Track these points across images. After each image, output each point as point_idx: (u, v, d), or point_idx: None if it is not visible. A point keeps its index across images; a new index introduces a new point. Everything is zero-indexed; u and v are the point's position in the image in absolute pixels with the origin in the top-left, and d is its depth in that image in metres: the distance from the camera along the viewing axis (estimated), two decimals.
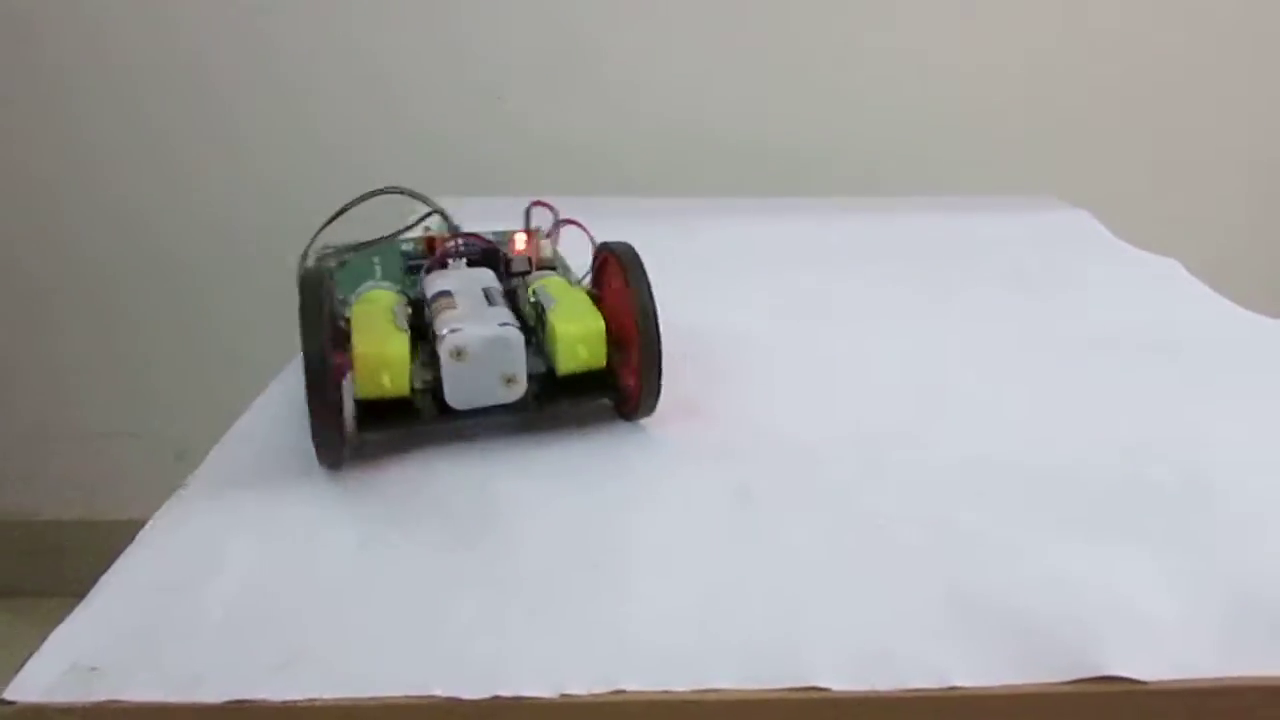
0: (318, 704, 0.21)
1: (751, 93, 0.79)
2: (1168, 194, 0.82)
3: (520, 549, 0.26)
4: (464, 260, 0.34)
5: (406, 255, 0.35)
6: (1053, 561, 0.25)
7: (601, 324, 0.30)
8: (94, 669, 0.21)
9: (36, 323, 0.85)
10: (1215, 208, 0.83)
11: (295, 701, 0.21)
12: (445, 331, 0.28)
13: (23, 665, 0.21)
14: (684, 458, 0.30)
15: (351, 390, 0.29)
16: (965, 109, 0.80)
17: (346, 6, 0.77)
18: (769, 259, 0.51)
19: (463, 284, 0.31)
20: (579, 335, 0.30)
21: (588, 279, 0.34)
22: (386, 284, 0.33)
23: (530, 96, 0.78)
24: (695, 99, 0.79)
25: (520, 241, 0.35)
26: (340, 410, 0.28)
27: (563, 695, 0.21)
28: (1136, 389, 0.35)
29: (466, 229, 0.36)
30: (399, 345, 0.28)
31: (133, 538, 0.26)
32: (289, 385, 0.34)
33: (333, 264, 0.34)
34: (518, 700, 0.21)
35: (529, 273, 0.34)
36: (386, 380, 0.28)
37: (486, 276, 0.32)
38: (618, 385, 0.31)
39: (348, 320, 0.30)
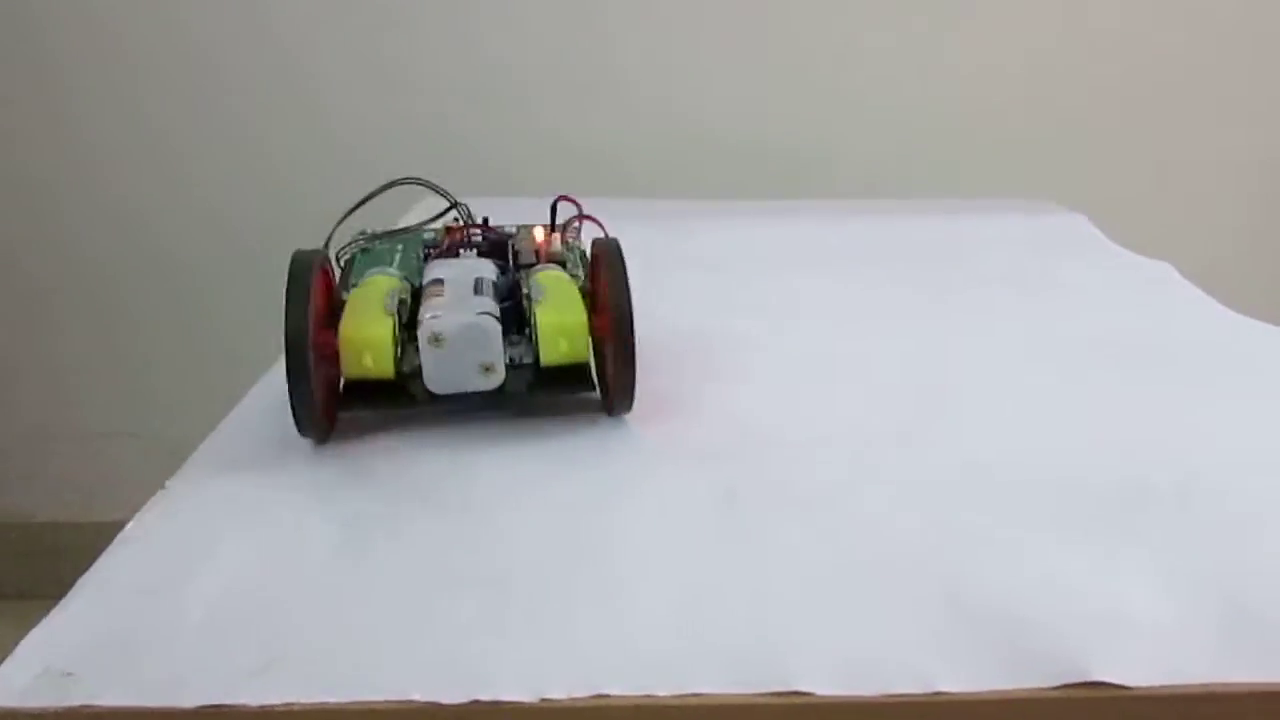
0: (295, 709, 0.21)
1: (753, 95, 0.78)
2: (1164, 198, 0.82)
3: (502, 550, 0.25)
4: (475, 251, 0.35)
5: (427, 245, 0.36)
6: (1042, 566, 0.24)
7: (583, 317, 0.30)
8: (68, 673, 0.21)
9: (36, 323, 0.85)
10: (1210, 212, 0.83)
11: (272, 706, 0.21)
12: (426, 317, 0.29)
13: None
14: (669, 456, 0.30)
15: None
16: (964, 113, 0.80)
17: (353, 6, 0.77)
18: (767, 261, 0.50)
19: (457, 273, 0.32)
20: (559, 327, 0.30)
21: None
22: (391, 270, 0.33)
23: (542, 98, 0.78)
24: (699, 101, 0.79)
25: (540, 235, 0.36)
26: (322, 385, 0.29)
27: (543, 700, 0.21)
28: (1127, 393, 0.34)
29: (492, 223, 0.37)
30: (382, 328, 0.29)
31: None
32: (277, 380, 0.34)
33: (358, 250, 0.35)
34: (497, 705, 0.21)
35: (534, 265, 0.34)
36: (369, 361, 0.29)
37: (484, 267, 0.33)
38: (602, 379, 0.32)
39: (344, 303, 0.31)
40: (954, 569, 0.24)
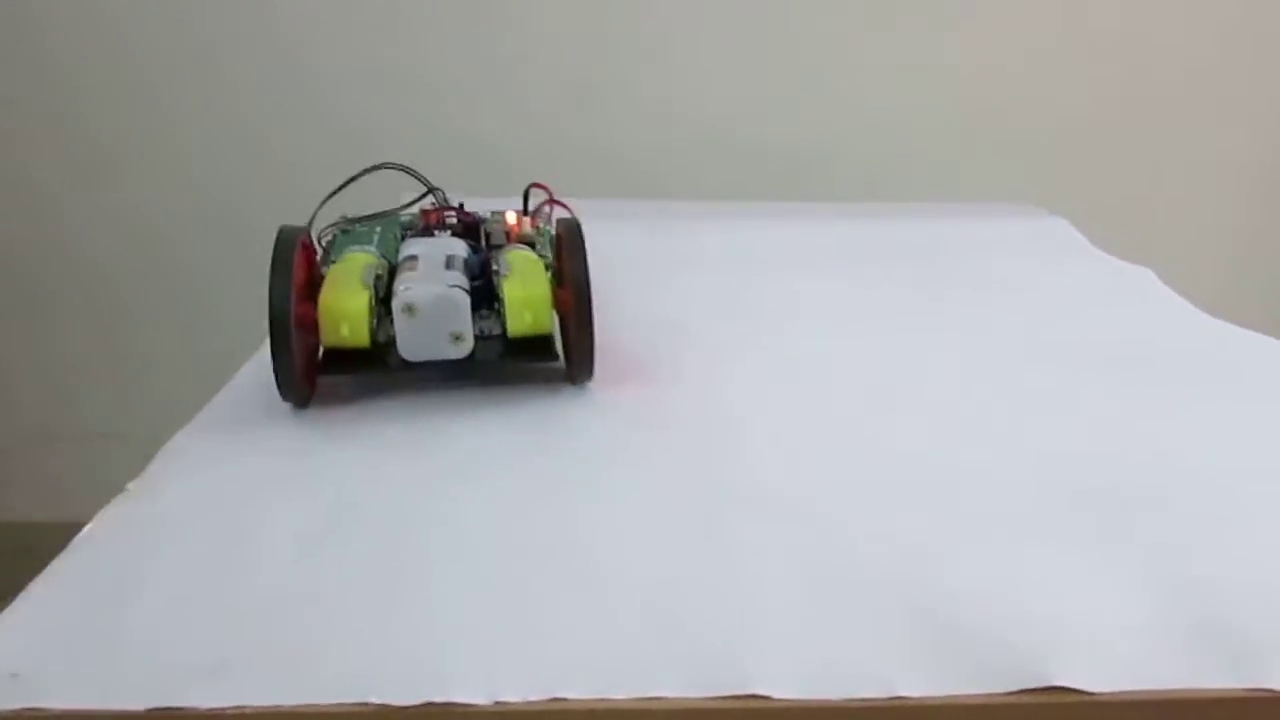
0: (247, 712, 0.20)
1: (746, 97, 0.79)
2: (1148, 203, 0.83)
3: (458, 546, 0.25)
4: (449, 232, 0.37)
5: (404, 227, 0.38)
6: (1008, 570, 0.24)
7: (546, 290, 0.33)
8: (14, 675, 0.20)
9: (33, 323, 0.85)
10: (1192, 218, 0.83)
11: (222, 709, 0.20)
12: (400, 289, 0.31)
13: None
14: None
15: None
16: (951, 118, 0.80)
17: (358, 7, 0.76)
18: (751, 261, 0.50)
19: (430, 250, 0.34)
20: (525, 300, 0.32)
21: None
22: (369, 248, 0.35)
23: (542, 99, 0.78)
24: (695, 104, 0.79)
25: (512, 219, 0.38)
26: (302, 353, 0.32)
27: (497, 703, 0.20)
28: (1101, 398, 0.34)
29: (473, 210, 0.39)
30: (358, 299, 0.31)
31: None
32: (245, 381, 0.35)
33: (339, 231, 0.37)
34: (450, 708, 0.20)
35: (504, 246, 0.36)
36: (345, 330, 0.31)
37: (456, 245, 0.35)
38: (566, 350, 0.34)
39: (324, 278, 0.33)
40: (919, 572, 0.24)
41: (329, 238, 0.37)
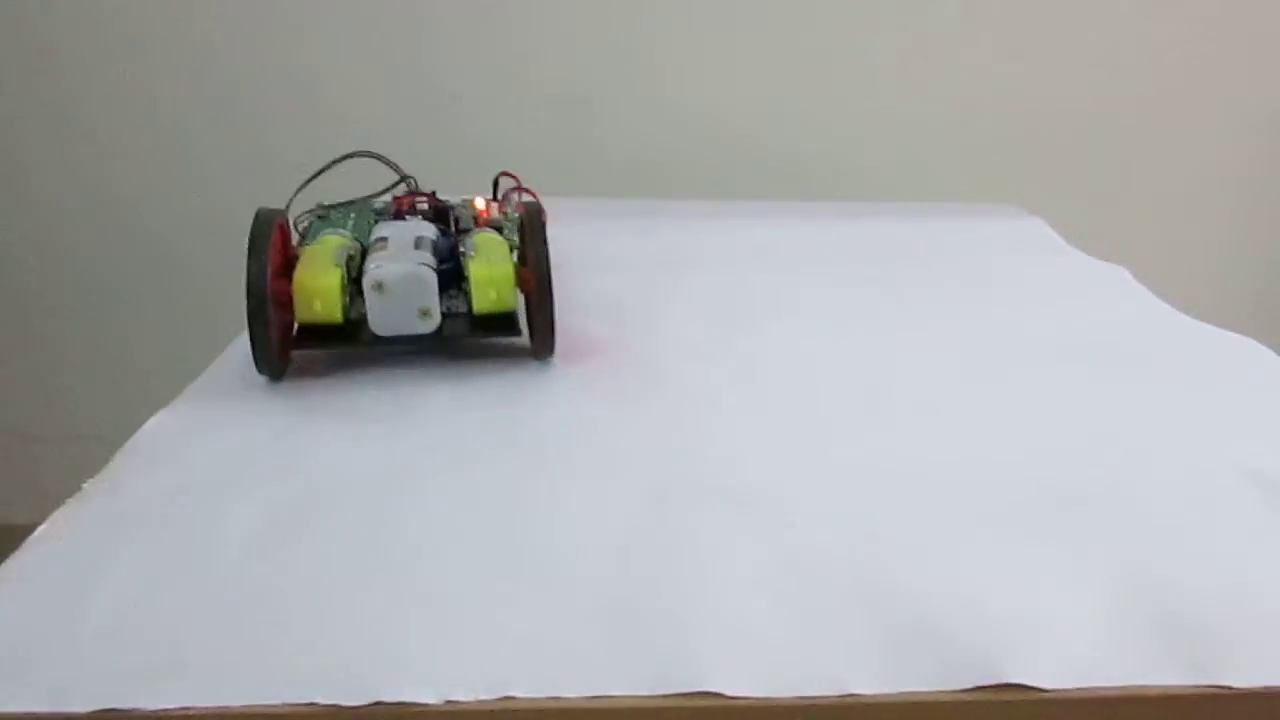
0: (193, 713, 0.20)
1: (733, 99, 0.78)
2: (1128, 203, 0.83)
3: (410, 543, 0.25)
4: (419, 216, 0.39)
5: (377, 212, 0.40)
6: (964, 567, 0.24)
7: (510, 269, 0.34)
8: None
9: (17, 323, 0.84)
10: (1169, 218, 0.83)
11: (168, 711, 0.20)
12: (370, 267, 0.33)
13: None
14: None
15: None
16: (936, 118, 0.80)
17: (367, 8, 0.76)
18: (732, 258, 0.50)
19: (400, 233, 0.36)
20: (489, 279, 0.34)
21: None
22: (341, 231, 0.37)
23: (537, 103, 0.78)
24: (682, 104, 0.78)
25: (481, 204, 0.41)
26: (277, 328, 0.33)
27: (448, 702, 0.20)
28: (1069, 393, 0.34)
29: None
30: (331, 278, 0.33)
31: None
32: (223, 364, 0.36)
33: (315, 217, 0.39)
34: (400, 707, 0.20)
35: (472, 230, 0.38)
36: (318, 306, 0.33)
37: (425, 228, 0.37)
38: (529, 327, 0.36)
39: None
40: (877, 569, 0.24)
41: (305, 223, 0.39)
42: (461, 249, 0.36)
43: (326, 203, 0.40)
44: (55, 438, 0.88)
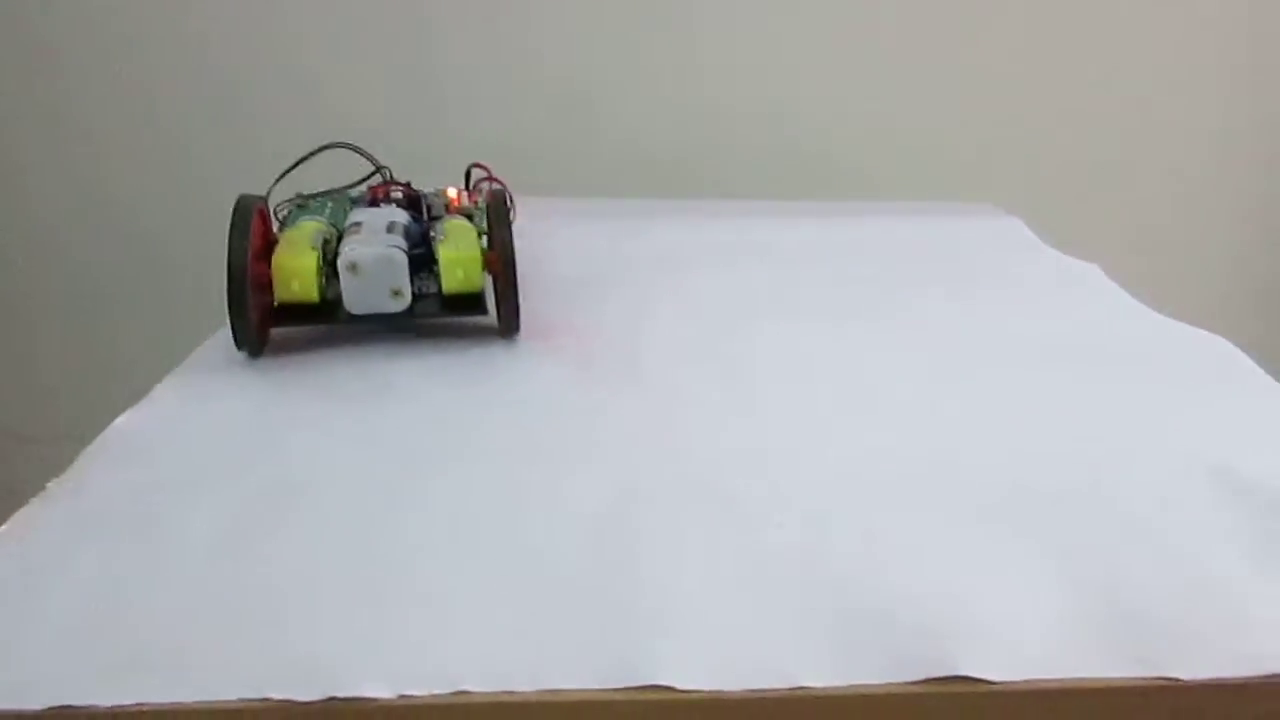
0: (146, 709, 0.20)
1: (719, 97, 0.79)
2: (1108, 203, 0.83)
3: (363, 540, 0.25)
4: (393, 204, 0.41)
5: (353, 200, 0.43)
6: (919, 561, 0.24)
7: (477, 252, 0.37)
8: None
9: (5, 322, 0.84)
10: (1144, 218, 0.84)
11: (123, 707, 0.20)
12: (345, 250, 0.36)
13: None
14: (559, 431, 0.31)
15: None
16: (920, 117, 0.80)
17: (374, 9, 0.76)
18: (712, 256, 0.51)
19: (374, 218, 0.38)
20: (457, 260, 0.36)
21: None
22: (318, 217, 0.39)
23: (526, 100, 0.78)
24: (668, 103, 0.78)
25: (453, 193, 0.43)
26: (257, 308, 0.36)
27: (401, 696, 0.20)
28: (1037, 392, 0.34)
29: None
30: (308, 260, 0.35)
31: None
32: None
33: (294, 206, 0.41)
34: (355, 702, 0.20)
35: (443, 217, 0.40)
36: (296, 286, 0.35)
37: (398, 214, 0.39)
38: (496, 307, 0.38)
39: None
40: (829, 563, 0.24)
41: (285, 211, 0.41)
42: (432, 234, 0.38)
43: (305, 193, 0.42)
44: (45, 438, 0.87)
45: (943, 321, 0.41)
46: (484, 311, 0.38)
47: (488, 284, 0.38)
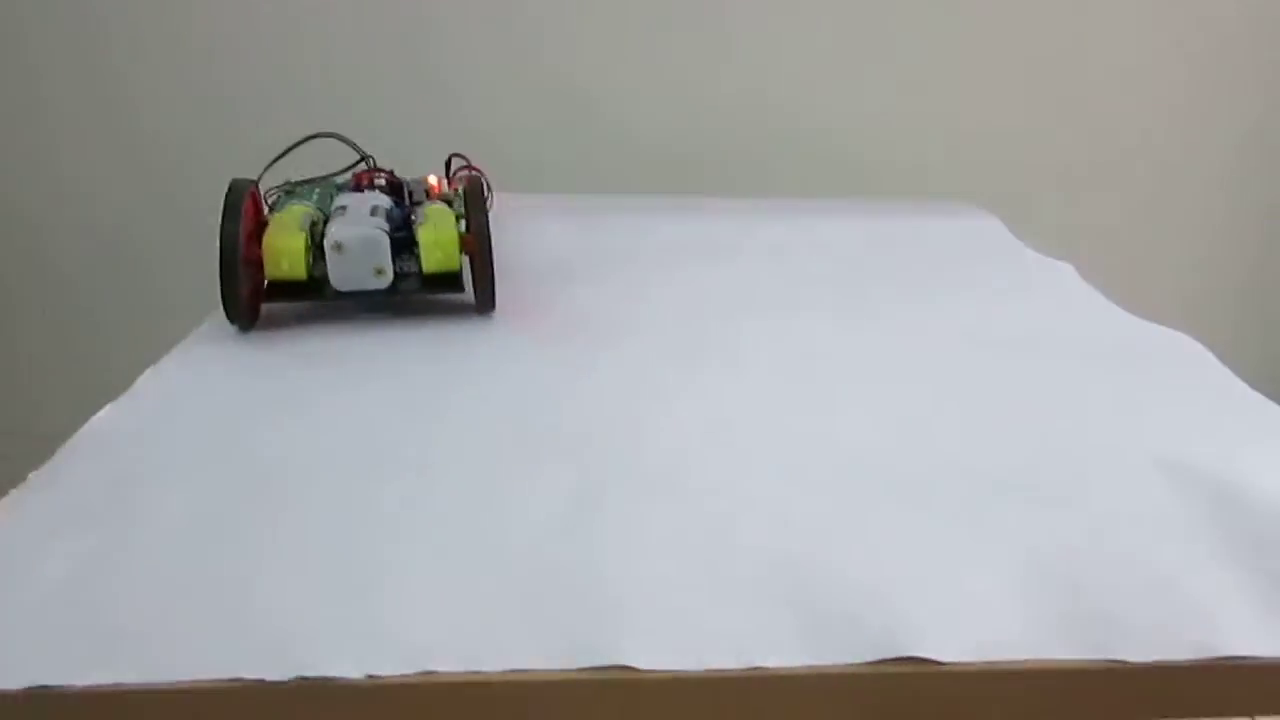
0: (124, 689, 0.21)
1: (708, 96, 0.79)
2: (1092, 203, 0.84)
3: (331, 524, 0.26)
4: (378, 190, 0.44)
5: (339, 187, 0.46)
6: (877, 546, 0.25)
7: (454, 234, 0.39)
8: None
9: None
10: (1131, 218, 0.85)
11: (100, 687, 0.21)
12: (330, 230, 0.38)
13: None
14: (527, 410, 0.32)
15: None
16: (903, 117, 0.81)
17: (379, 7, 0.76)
18: (689, 251, 0.51)
19: (358, 202, 0.41)
20: (436, 241, 0.39)
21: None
22: (306, 202, 0.42)
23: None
24: (651, 103, 0.79)
25: (434, 181, 0.45)
26: (248, 284, 0.38)
27: (369, 676, 0.21)
28: (1000, 386, 0.35)
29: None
30: (296, 240, 0.38)
31: None
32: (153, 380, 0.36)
33: (284, 192, 0.44)
34: (324, 682, 0.21)
35: (424, 203, 0.43)
36: (285, 264, 0.38)
37: (381, 198, 0.42)
38: (473, 285, 0.40)
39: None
40: (788, 548, 0.25)
41: (274, 197, 0.44)
42: (413, 218, 0.41)
43: (294, 179, 0.45)
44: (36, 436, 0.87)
45: (912, 317, 0.42)
46: (461, 290, 0.41)
47: (466, 265, 0.40)
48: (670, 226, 0.57)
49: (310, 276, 0.39)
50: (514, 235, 0.50)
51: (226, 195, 0.38)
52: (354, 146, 0.46)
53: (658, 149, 0.80)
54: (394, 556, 0.24)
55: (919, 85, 0.80)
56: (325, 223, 0.40)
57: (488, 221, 0.39)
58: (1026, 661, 0.22)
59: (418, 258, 0.40)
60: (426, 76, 0.78)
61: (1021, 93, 0.81)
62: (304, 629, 0.22)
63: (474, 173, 0.48)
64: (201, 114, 0.79)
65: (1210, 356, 0.38)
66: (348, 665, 0.21)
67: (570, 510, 0.26)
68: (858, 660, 0.21)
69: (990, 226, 0.60)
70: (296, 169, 0.45)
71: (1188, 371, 0.37)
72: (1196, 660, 0.22)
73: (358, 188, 0.44)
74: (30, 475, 0.28)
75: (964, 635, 0.22)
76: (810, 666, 0.21)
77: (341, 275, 0.38)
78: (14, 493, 0.27)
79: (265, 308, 0.40)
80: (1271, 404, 0.34)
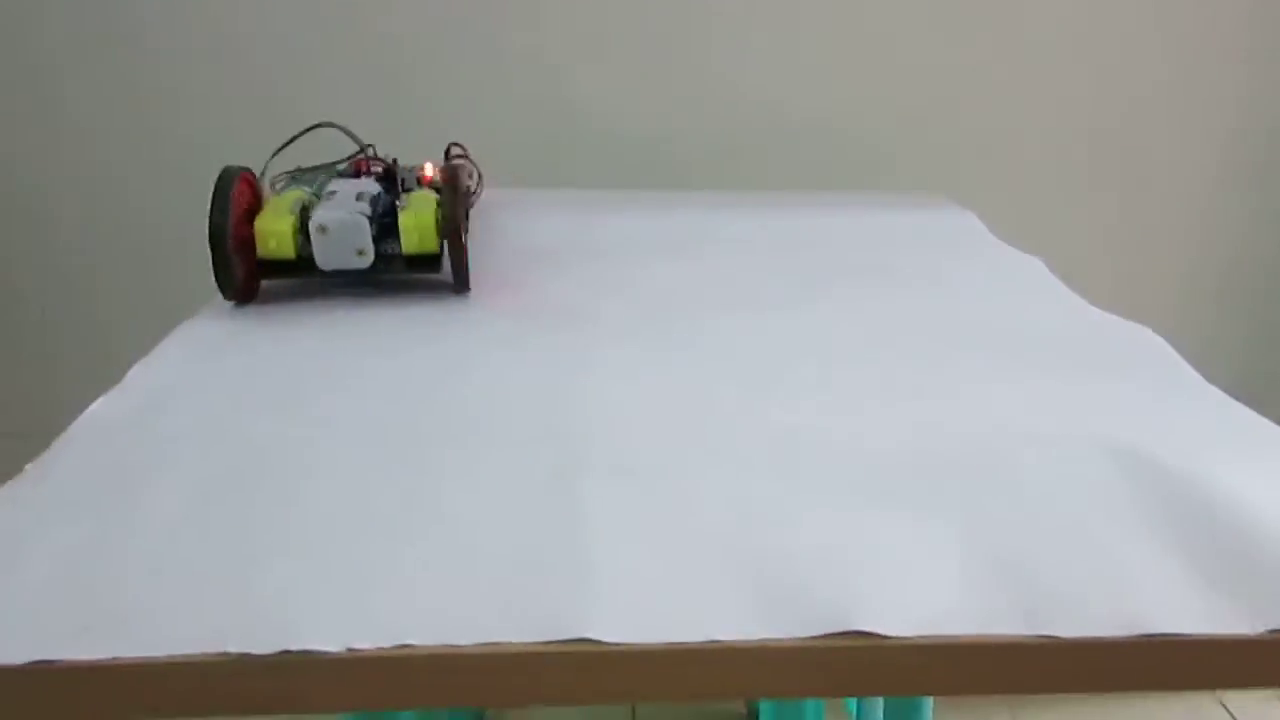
0: (120, 663, 0.22)
1: (689, 94, 0.80)
2: (1067, 199, 0.85)
3: (314, 504, 0.27)
4: (373, 178, 0.47)
5: (339, 174, 0.49)
6: (830, 528, 0.26)
7: (431, 219, 0.43)
8: None
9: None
10: (1110, 214, 0.86)
11: (97, 661, 0.22)
12: (315, 214, 0.42)
13: None
14: (498, 394, 0.34)
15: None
16: (887, 114, 0.82)
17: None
18: (666, 243, 0.53)
19: (347, 188, 0.44)
20: (414, 225, 0.43)
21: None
22: (304, 188, 0.46)
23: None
24: (637, 102, 0.80)
25: (430, 170, 0.49)
26: (242, 263, 0.42)
27: (350, 650, 0.22)
28: (956, 375, 0.36)
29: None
30: (284, 222, 0.42)
31: None
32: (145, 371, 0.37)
33: (288, 178, 0.48)
34: (306, 655, 0.22)
35: (413, 190, 0.47)
36: (274, 244, 0.42)
37: (369, 185, 0.45)
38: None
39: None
40: (745, 529, 0.26)
41: (281, 183, 0.47)
42: (398, 203, 0.44)
43: (303, 166, 0.48)
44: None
45: (877, 308, 0.43)
46: (439, 271, 0.44)
47: (445, 246, 0.43)
48: (648, 218, 0.58)
49: (300, 256, 0.42)
50: (504, 222, 0.54)
51: (217, 180, 0.42)
52: (353, 136, 0.49)
53: (643, 145, 0.81)
54: (371, 538, 0.26)
55: (904, 79, 0.81)
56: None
57: (462, 208, 0.42)
58: (965, 636, 0.23)
59: (400, 240, 0.43)
60: (427, 74, 0.79)
61: (1005, 87, 0.82)
62: (288, 606, 0.23)
63: (456, 162, 0.52)
64: (219, 111, 0.79)
65: (1169, 350, 0.40)
66: (329, 639, 0.22)
67: (537, 495, 0.28)
68: (809, 634, 0.23)
69: (964, 220, 0.61)
70: (309, 158, 0.49)
71: (1145, 364, 0.39)
72: (1125, 636, 0.24)
73: (356, 174, 0.48)
74: (27, 466, 0.29)
75: (909, 611, 0.24)
76: (765, 640, 0.23)
77: (325, 255, 0.42)
78: (10, 483, 0.29)
79: (264, 286, 0.44)
80: (1220, 393, 0.36)
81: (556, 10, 0.77)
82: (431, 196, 0.45)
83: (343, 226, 0.41)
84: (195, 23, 0.77)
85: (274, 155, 0.46)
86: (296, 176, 0.48)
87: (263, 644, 0.22)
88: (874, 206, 0.63)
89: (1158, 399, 0.35)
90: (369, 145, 0.50)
